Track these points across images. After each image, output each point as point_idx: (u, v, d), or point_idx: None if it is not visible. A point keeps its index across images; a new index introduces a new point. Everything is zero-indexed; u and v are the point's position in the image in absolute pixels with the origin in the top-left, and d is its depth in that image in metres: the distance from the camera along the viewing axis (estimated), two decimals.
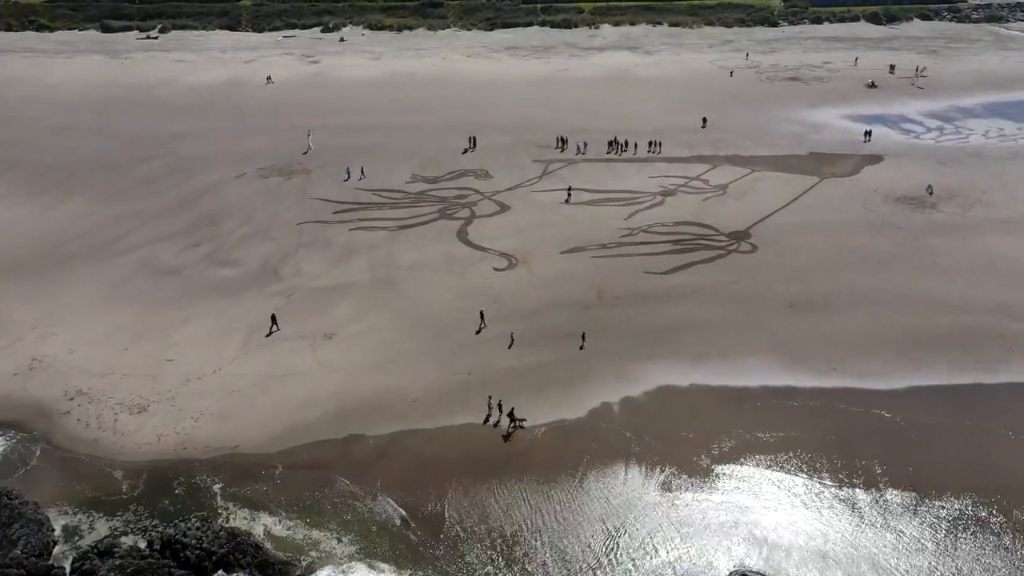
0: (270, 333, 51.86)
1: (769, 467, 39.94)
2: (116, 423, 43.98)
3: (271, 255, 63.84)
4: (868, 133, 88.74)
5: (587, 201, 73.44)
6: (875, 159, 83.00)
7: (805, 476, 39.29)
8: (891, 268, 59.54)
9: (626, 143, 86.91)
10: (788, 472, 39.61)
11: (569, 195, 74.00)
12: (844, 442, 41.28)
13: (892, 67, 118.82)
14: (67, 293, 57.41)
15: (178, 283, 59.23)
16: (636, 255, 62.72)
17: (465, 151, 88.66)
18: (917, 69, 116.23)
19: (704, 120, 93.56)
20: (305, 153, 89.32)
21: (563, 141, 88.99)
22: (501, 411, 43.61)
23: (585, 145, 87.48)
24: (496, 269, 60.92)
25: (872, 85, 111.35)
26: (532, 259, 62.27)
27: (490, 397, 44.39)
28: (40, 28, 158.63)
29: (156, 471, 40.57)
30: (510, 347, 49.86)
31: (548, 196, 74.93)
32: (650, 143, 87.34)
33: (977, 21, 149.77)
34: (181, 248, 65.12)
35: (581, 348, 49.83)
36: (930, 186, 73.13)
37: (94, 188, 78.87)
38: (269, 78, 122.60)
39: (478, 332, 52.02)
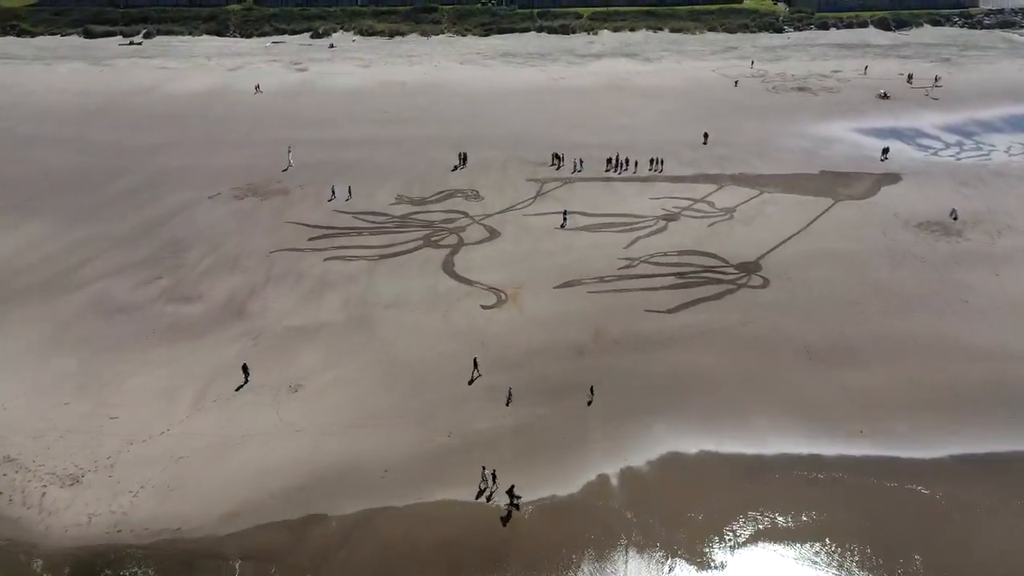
0: (241, 386, 46.16)
1: (792, 561, 34.18)
2: (44, 499, 38.34)
3: (238, 289, 58.16)
4: (886, 151, 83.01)
5: (584, 226, 67.75)
6: (892, 178, 77.27)
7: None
8: (917, 308, 53.86)
9: (626, 161, 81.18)
10: (815, 568, 33.85)
11: (564, 220, 68.32)
12: (879, 528, 35.68)
13: (910, 77, 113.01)
14: (6, 337, 51.68)
15: (132, 323, 53.54)
16: (637, 290, 57.08)
17: (455, 168, 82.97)
18: (936, 79, 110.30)
19: (705, 136, 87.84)
20: (285, 170, 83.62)
21: (559, 158, 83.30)
22: (496, 483, 37.90)
23: (581, 163, 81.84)
24: (483, 307, 55.26)
25: (884, 96, 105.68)
26: (523, 295, 56.58)
27: (483, 468, 38.73)
28: (21, 33, 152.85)
29: (82, 561, 34.90)
30: (508, 403, 44.22)
31: (542, 220, 69.23)
32: (651, 160, 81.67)
33: (989, 27, 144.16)
34: (140, 281, 59.43)
35: (589, 404, 44.33)
36: (954, 211, 67.46)
37: (56, 209, 73.17)
38: (257, 87, 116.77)
39: (471, 382, 46.57)
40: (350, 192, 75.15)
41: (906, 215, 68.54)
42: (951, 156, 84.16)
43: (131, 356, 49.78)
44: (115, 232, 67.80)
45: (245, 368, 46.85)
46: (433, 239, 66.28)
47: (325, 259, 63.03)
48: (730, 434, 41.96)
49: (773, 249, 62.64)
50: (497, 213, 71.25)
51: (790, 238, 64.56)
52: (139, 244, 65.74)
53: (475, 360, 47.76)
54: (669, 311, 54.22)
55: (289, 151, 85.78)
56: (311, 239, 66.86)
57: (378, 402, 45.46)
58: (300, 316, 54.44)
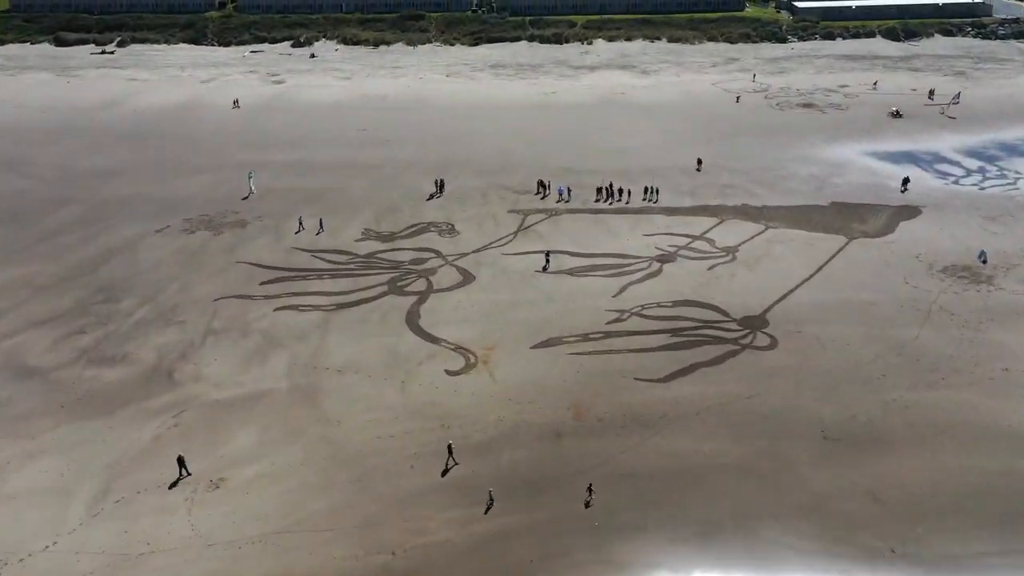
0: (175, 483, 38.69)
1: None
2: None
3: (170, 348, 50.74)
4: (906, 182, 75.46)
5: (569, 269, 60.33)
6: (911, 212, 69.80)
7: None
8: (948, 377, 46.49)
9: (619, 191, 73.61)
10: None
11: (547, 261, 60.82)
12: None
13: (931, 92, 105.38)
14: None
15: (40, 392, 46.25)
16: (625, 351, 49.68)
17: (431, 196, 75.55)
18: (956, 96, 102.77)
19: (699, 162, 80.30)
20: (245, 198, 76.21)
21: (545, 186, 75.76)
22: None
23: (569, 191, 74.38)
24: (449, 372, 47.82)
25: (897, 114, 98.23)
26: (495, 357, 49.20)
27: None
28: None
29: None
30: (487, 511, 36.78)
31: (522, 262, 61.78)
32: (646, 189, 74.23)
33: (1004, 37, 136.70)
34: (60, 336, 52.07)
35: (587, 505, 36.86)
36: (983, 252, 60.01)
37: None
38: (236, 102, 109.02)
39: (444, 473, 39.08)
40: (321, 225, 67.72)
41: (929, 257, 61.01)
42: (974, 185, 76.75)
43: (28, 438, 42.49)
44: (42, 275, 60.37)
45: (181, 461, 39.34)
46: (399, 284, 58.86)
47: (276, 308, 55.66)
48: (734, 554, 34.63)
49: (781, 299, 55.22)
50: (473, 252, 63.82)
51: (800, 285, 57.14)
52: (67, 290, 58.34)
53: (449, 447, 40.50)
54: (662, 380, 46.81)
55: (250, 177, 78.32)
56: (263, 283, 59.44)
57: (315, 502, 38.06)
58: (236, 384, 47.00)
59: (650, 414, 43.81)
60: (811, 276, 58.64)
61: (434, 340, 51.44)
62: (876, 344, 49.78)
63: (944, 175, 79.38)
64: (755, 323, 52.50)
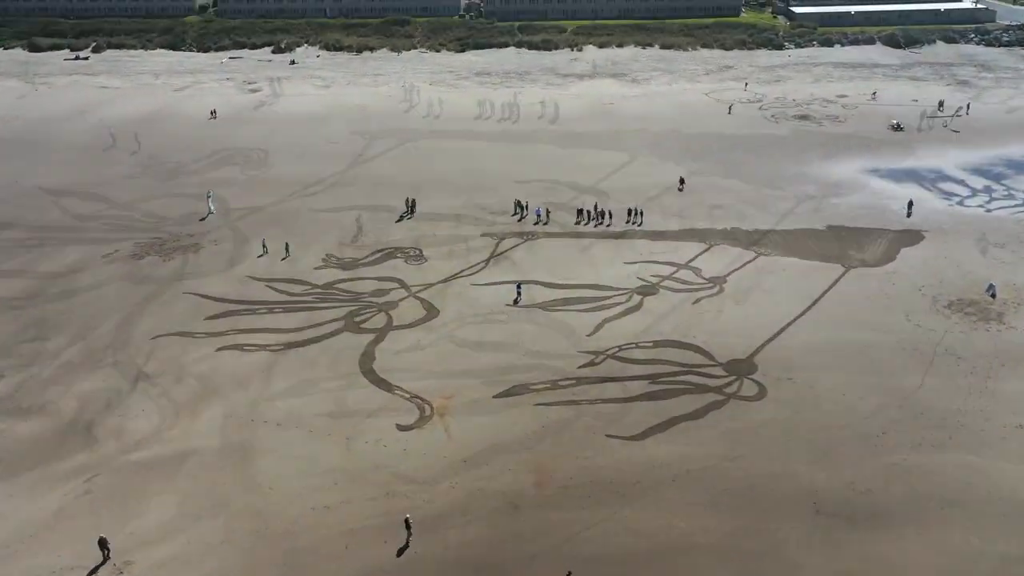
0: (96, 568, 33.60)
1: None
2: None
3: (94, 396, 45.85)
4: (910, 205, 70.40)
5: (541, 303, 55.35)
6: (913, 237, 64.82)
7: None
8: (958, 435, 41.51)
9: (601, 212, 68.61)
10: None
11: (519, 294, 55.73)
12: None
13: (940, 104, 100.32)
14: None
15: None
16: (598, 401, 44.57)
17: (401, 218, 70.59)
18: (964, 108, 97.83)
19: (681, 181, 75.28)
20: (203, 219, 71.10)
21: (522, 207, 70.72)
22: None
23: (547, 213, 69.34)
24: (400, 427, 42.87)
25: (898, 127, 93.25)
26: (453, 408, 44.28)
27: None
28: None
29: None
30: None
31: (492, 294, 56.83)
32: (629, 211, 69.25)
33: (1008, 44, 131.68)
34: None
35: None
36: (992, 286, 55.03)
37: None
38: (213, 113, 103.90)
39: (400, 553, 33.98)
40: (287, 249, 62.84)
41: (933, 290, 55.98)
42: (980, 206, 71.81)
43: None
44: None
45: (103, 543, 34.20)
46: (357, 319, 53.77)
47: (218, 348, 50.62)
48: None
49: (771, 340, 50.17)
50: (440, 282, 58.87)
51: (791, 323, 52.06)
52: None
53: (407, 520, 35.30)
54: (636, 437, 41.85)
55: (209, 197, 73.30)
56: (209, 317, 54.35)
57: None
58: (160, 441, 42.02)
59: (621, 480, 38.80)
60: (804, 312, 53.63)
61: (388, 387, 46.43)
62: (875, 395, 44.73)
63: (948, 195, 74.39)
64: (742, 368, 47.45)
